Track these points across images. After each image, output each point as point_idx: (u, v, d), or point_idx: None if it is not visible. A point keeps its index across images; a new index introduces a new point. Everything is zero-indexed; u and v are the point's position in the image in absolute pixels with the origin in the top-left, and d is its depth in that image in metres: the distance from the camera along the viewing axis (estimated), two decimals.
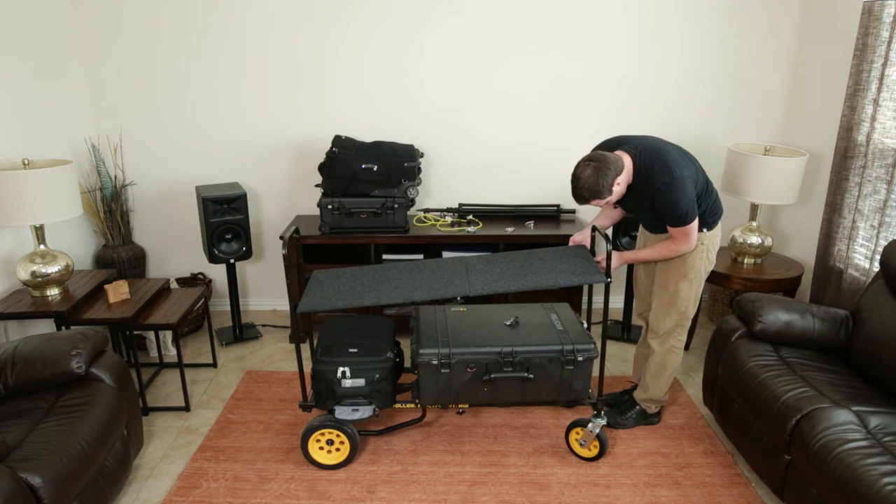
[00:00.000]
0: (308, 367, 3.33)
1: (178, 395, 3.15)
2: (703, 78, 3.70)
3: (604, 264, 2.52)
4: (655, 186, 2.38)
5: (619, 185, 2.41)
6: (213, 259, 3.46)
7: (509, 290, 2.36)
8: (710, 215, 2.56)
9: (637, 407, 2.88)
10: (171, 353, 3.55)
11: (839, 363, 2.54)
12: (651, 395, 2.83)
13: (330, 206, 3.42)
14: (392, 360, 2.54)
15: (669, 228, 2.47)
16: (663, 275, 2.67)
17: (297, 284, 3.39)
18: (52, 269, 2.87)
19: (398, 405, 2.63)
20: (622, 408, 2.91)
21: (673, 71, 3.68)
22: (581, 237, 2.73)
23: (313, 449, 2.57)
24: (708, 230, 2.58)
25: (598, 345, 3.66)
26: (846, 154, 3.05)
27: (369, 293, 2.41)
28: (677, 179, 2.35)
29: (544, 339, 2.51)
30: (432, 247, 3.69)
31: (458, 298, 2.39)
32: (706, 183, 2.52)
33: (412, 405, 2.61)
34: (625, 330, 3.79)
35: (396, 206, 3.44)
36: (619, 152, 2.45)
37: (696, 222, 2.44)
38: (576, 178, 2.38)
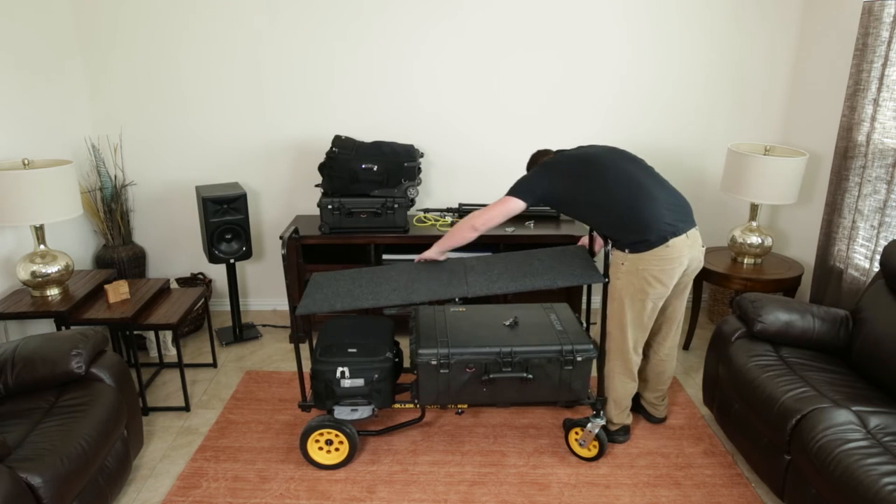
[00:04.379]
0: (307, 367, 3.33)
1: (178, 395, 3.15)
2: (703, 78, 3.70)
3: (586, 242, 2.56)
4: None
5: None
6: (213, 259, 3.46)
7: (507, 290, 2.36)
8: (624, 236, 2.41)
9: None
10: (171, 353, 3.56)
11: (839, 363, 2.54)
12: (607, 415, 2.71)
13: (330, 206, 3.42)
14: (391, 360, 2.54)
15: None
16: None
17: (296, 284, 3.39)
18: (52, 269, 2.87)
19: (397, 405, 2.64)
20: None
21: (673, 71, 3.68)
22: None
23: (312, 449, 2.57)
24: (631, 252, 2.40)
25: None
26: (846, 154, 3.05)
27: (367, 296, 2.41)
28: (538, 165, 2.59)
29: (543, 339, 2.51)
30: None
31: (457, 299, 2.38)
32: (609, 202, 2.41)
33: (411, 405, 2.62)
34: None
35: (396, 206, 3.44)
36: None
37: (510, 200, 2.50)
38: None
